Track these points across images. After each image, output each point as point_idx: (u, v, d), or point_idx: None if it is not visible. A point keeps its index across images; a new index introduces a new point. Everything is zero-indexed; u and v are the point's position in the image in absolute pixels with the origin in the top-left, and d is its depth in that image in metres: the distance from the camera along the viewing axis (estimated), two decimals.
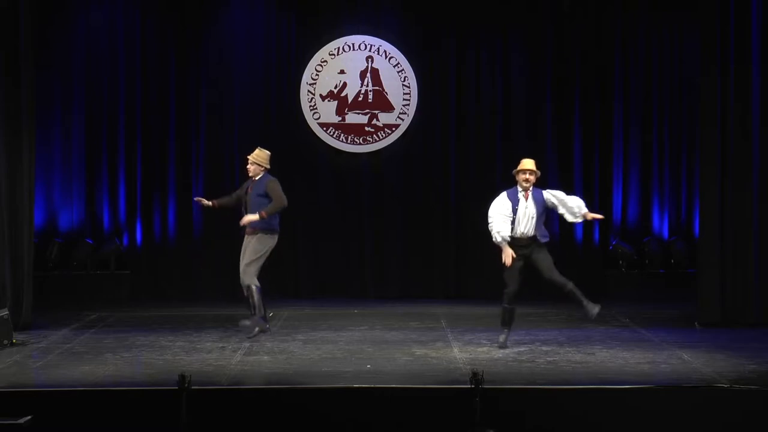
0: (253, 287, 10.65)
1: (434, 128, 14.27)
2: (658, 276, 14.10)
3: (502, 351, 10.02)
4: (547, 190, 10.16)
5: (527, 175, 10.01)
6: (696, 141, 12.76)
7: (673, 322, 11.79)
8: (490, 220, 10.06)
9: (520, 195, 10.01)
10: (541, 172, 10.21)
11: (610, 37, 14.17)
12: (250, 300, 10.68)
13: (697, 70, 12.21)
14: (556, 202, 10.08)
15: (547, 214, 10.22)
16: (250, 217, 10.64)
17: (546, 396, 8.38)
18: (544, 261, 10.04)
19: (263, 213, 10.60)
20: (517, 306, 10.16)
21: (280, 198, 10.69)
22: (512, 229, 9.98)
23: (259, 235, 10.70)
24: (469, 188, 14.18)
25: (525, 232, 9.99)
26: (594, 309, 10.00)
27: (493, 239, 10.06)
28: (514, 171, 10.13)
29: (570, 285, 9.99)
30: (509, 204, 10.01)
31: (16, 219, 11.42)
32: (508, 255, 9.94)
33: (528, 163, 10.08)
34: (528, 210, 9.98)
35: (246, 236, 10.80)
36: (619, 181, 14.31)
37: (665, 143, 14.35)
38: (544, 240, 10.08)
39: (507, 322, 10.18)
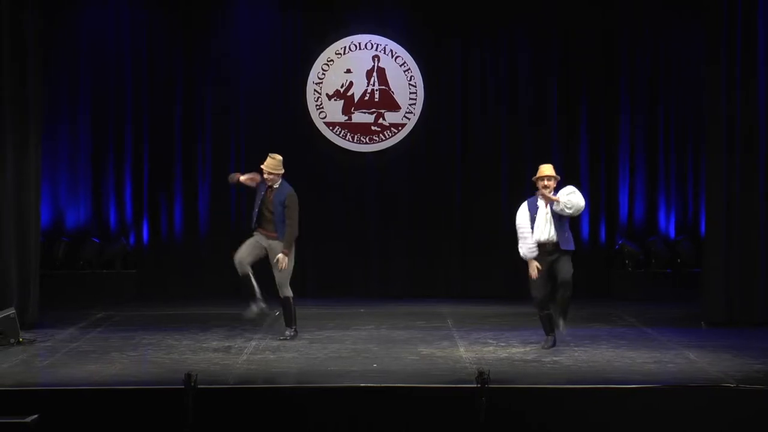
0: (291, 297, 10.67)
1: (440, 127, 14.27)
2: (664, 275, 14.07)
3: (509, 351, 10.03)
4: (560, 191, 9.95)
5: (545, 182, 9.91)
6: (701, 140, 12.74)
7: (680, 322, 11.78)
8: (518, 234, 10.01)
9: (539, 201, 9.93)
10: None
11: (616, 38, 14.15)
12: (290, 310, 10.69)
13: (702, 70, 12.20)
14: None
15: (570, 220, 10.09)
16: (283, 261, 10.43)
17: (552, 395, 8.36)
18: (563, 267, 9.90)
19: (286, 251, 10.45)
20: (550, 309, 10.02)
21: (295, 223, 10.47)
22: (533, 234, 9.92)
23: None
24: (475, 187, 14.19)
25: (547, 238, 9.90)
26: (550, 341, 10.03)
27: (520, 254, 10.04)
28: (533, 178, 10.04)
29: (564, 307, 9.97)
30: (528, 214, 9.93)
31: (23, 218, 11.43)
32: (533, 269, 9.89)
33: (546, 169, 9.97)
34: (547, 215, 9.89)
35: (267, 239, 10.54)
36: (625, 180, 14.29)
37: (671, 142, 14.32)
38: (568, 248, 9.92)
39: (547, 329, 10.07)
